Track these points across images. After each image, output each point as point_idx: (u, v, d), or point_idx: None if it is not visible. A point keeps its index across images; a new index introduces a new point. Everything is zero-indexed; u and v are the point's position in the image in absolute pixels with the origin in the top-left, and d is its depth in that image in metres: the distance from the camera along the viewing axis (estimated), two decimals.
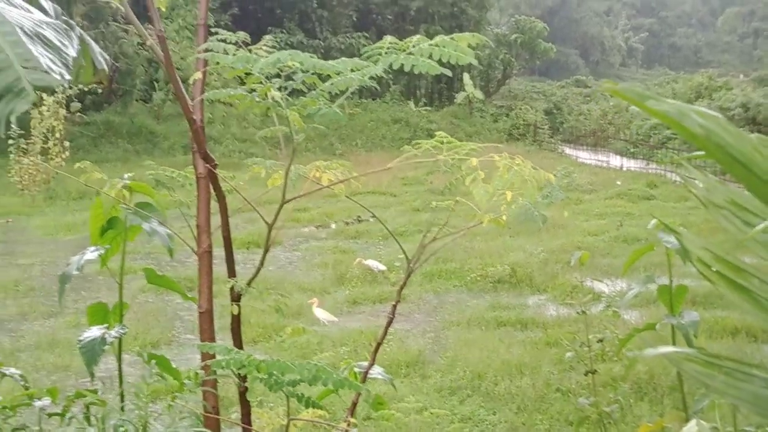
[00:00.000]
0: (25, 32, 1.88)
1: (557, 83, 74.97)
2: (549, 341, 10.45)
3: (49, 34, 1.98)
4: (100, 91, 29.27)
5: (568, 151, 41.57)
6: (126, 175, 3.88)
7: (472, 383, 9.07)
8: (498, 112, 49.21)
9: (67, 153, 23.87)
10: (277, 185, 3.47)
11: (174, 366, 3.77)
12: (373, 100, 45.65)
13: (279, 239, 17.23)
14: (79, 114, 30.29)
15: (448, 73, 2.75)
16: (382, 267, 13.88)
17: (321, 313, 11.26)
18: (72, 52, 2.00)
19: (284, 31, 45.71)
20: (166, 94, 35.74)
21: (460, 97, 45.70)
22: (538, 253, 15.35)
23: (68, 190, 23.25)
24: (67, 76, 1.87)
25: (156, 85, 36.68)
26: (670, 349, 1.51)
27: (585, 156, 38.61)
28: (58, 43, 1.97)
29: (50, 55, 1.88)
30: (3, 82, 1.76)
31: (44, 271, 14.80)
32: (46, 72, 1.81)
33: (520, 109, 47.35)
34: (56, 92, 23.68)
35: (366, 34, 49.93)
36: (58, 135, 23.87)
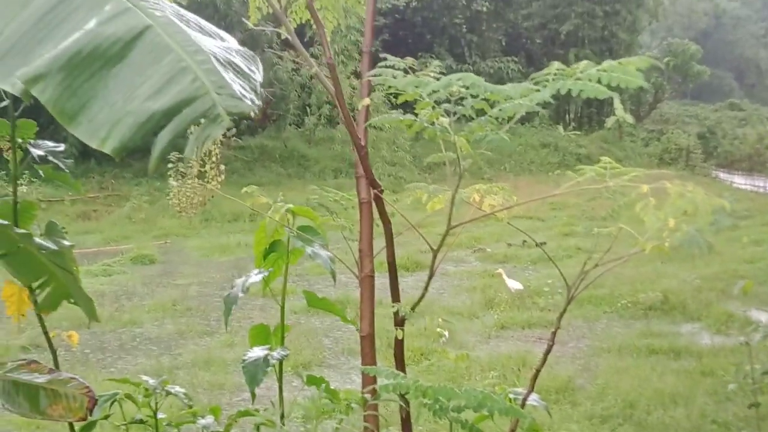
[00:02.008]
0: (218, 60, 1.95)
1: (711, 107, 73.14)
2: (704, 371, 10.15)
3: (239, 60, 2.05)
4: (254, 116, 29.82)
5: (722, 176, 40.52)
6: (279, 199, 3.95)
7: (624, 412, 8.85)
8: (649, 137, 48.36)
9: (223, 176, 24.39)
10: (436, 210, 3.48)
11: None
12: (522, 124, 45.33)
13: (427, 262, 17.11)
14: (234, 138, 31.08)
15: (617, 96, 2.72)
16: (520, 286, 13.77)
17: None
18: (259, 77, 2.06)
19: (434, 56, 45.97)
20: (318, 119, 36.33)
21: (610, 122, 44.35)
22: (691, 280, 14.97)
23: (223, 213, 23.88)
24: (257, 102, 1.94)
25: (308, 110, 37.27)
26: None
27: (740, 181, 37.58)
28: (247, 70, 2.04)
29: (241, 82, 1.95)
30: (200, 109, 1.83)
31: (200, 291, 15.20)
32: (238, 98, 1.87)
33: (672, 133, 46.33)
34: None
35: (515, 59, 49.80)
36: (214, 159, 24.43)
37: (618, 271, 15.25)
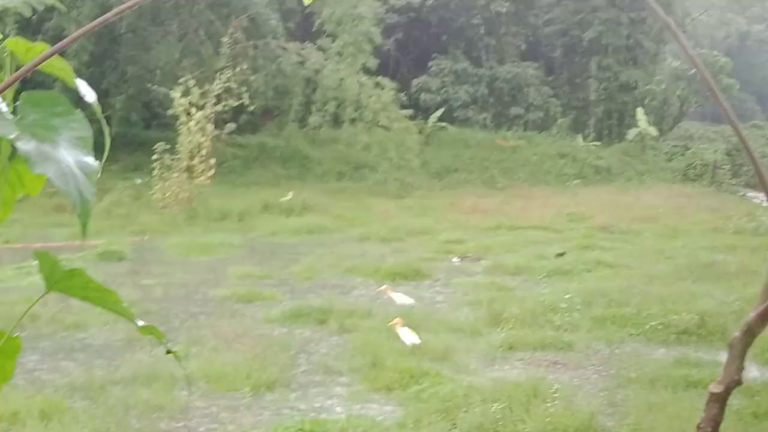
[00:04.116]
0: None
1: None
2: (756, 411, 8.41)
3: None
4: (251, 109, 28.02)
5: (750, 194, 38.76)
6: None
7: None
8: (672, 151, 46.67)
9: (213, 171, 23.10)
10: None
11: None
12: (539, 132, 44.00)
13: (428, 272, 15.71)
14: (233, 135, 29.48)
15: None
16: (409, 300, 12.15)
17: (406, 335, 9.95)
18: None
19: (449, 57, 44.60)
20: (323, 117, 34.66)
21: (632, 134, 43.53)
22: (730, 302, 13.08)
23: (210, 211, 22.65)
24: None
25: (312, 107, 35.67)
26: None
27: None
28: None
29: None
30: None
31: (166, 293, 13.64)
32: None
33: (698, 148, 44.73)
34: (204, 107, 22.99)
35: (534, 65, 48.31)
36: (204, 152, 23.01)
37: (644, 288, 13.60)
